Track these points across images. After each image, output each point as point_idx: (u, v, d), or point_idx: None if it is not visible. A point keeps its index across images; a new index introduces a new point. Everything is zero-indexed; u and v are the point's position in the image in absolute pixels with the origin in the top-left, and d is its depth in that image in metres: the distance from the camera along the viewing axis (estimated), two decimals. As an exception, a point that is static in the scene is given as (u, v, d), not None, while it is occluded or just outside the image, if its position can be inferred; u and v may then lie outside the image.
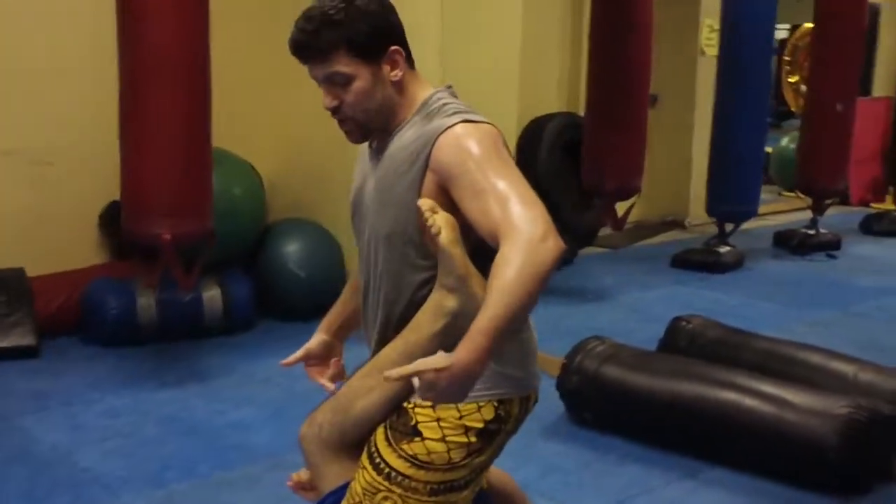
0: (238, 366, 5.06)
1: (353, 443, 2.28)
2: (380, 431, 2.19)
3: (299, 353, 2.57)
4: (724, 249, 7.42)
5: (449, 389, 1.86)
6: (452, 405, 2.10)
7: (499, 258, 1.89)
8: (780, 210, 9.60)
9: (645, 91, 6.64)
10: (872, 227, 9.03)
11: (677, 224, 9.03)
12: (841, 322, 6.03)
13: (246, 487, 3.69)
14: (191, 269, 4.84)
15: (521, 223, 1.90)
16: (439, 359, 1.87)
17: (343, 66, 2.10)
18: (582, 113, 7.19)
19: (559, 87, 8.38)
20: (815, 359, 4.34)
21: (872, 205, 9.95)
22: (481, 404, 2.12)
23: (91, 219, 5.83)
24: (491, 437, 2.15)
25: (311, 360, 2.56)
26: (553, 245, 1.88)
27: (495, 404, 2.12)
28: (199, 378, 4.86)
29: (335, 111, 2.15)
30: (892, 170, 9.56)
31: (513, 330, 1.92)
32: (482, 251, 2.02)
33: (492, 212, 1.95)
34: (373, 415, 2.21)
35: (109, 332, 5.24)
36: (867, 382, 4.07)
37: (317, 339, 2.57)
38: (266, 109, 6.18)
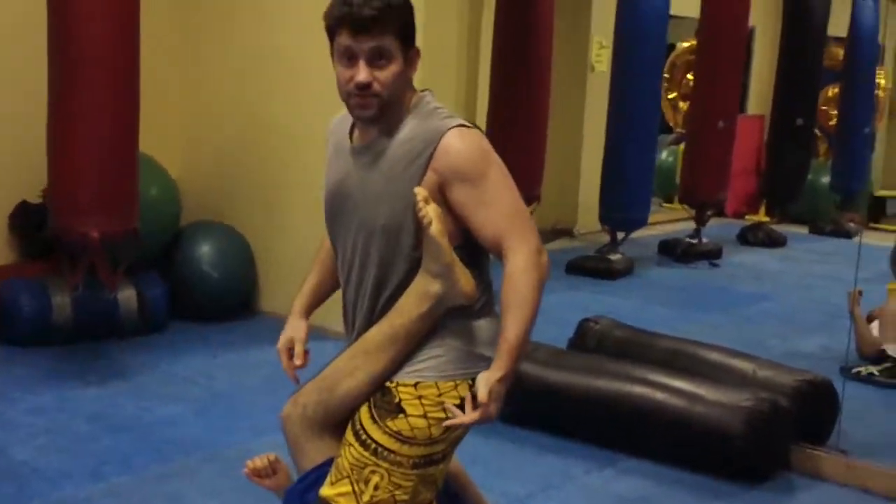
0: (158, 364, 5.13)
1: (337, 421, 2.45)
2: (364, 410, 2.36)
3: (283, 339, 2.67)
4: (615, 257, 7.74)
5: (502, 394, 2.24)
6: (432, 383, 2.30)
7: (511, 272, 2.24)
8: (662, 220, 10.02)
9: (545, 101, 6.92)
10: (749, 237, 9.55)
11: (566, 232, 9.35)
12: (728, 324, 6.40)
13: (186, 479, 3.79)
14: (115, 269, 4.89)
15: (523, 239, 2.25)
16: (489, 375, 2.23)
17: (391, 46, 2.26)
18: (478, 122, 7.45)
19: (457, 98, 8.60)
20: (716, 356, 4.65)
21: (747, 216, 10.45)
22: (458, 382, 2.32)
23: (0, 219, 5.81)
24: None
25: (296, 344, 2.67)
26: (546, 258, 2.27)
27: (470, 382, 2.31)
28: (121, 377, 4.92)
29: (366, 87, 2.27)
30: (766, 184, 10.07)
31: (530, 334, 2.27)
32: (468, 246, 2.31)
33: (496, 222, 2.27)
34: (357, 394, 2.39)
35: (24, 332, 5.24)
36: (765, 378, 4.38)
37: (296, 323, 2.69)
38: (174, 112, 6.24)
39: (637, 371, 4.33)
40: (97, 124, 4.60)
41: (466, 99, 8.59)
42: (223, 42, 6.17)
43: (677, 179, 10.09)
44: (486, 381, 2.22)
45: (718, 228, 9.58)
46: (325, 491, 2.36)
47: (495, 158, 2.31)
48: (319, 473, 2.45)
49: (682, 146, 10.30)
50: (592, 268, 7.62)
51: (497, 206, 2.26)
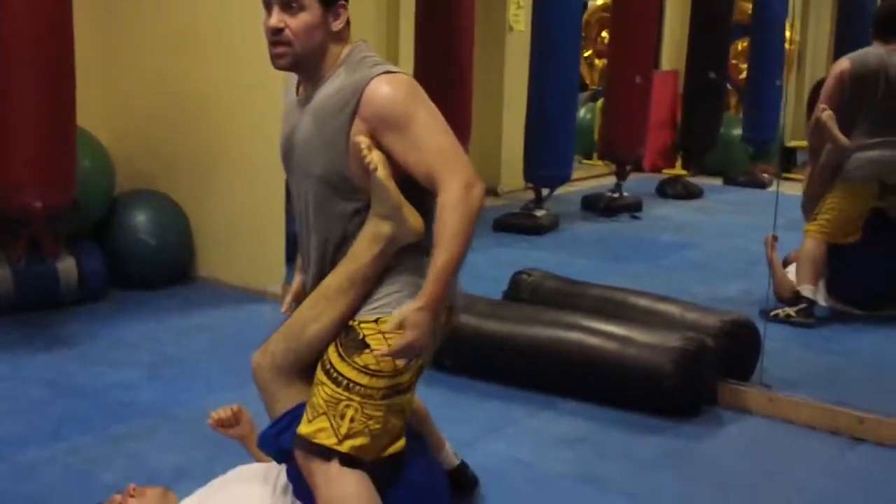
0: (101, 332, 5.21)
1: (306, 366, 2.62)
2: (331, 350, 2.54)
3: (289, 297, 2.86)
4: (540, 213, 7.96)
5: (427, 321, 2.36)
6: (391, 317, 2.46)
7: (441, 206, 2.36)
8: (582, 177, 10.27)
9: (469, 61, 7.07)
10: (667, 190, 9.86)
11: (490, 191, 9.54)
12: (652, 273, 6.66)
13: (145, 438, 3.90)
14: (56, 239, 4.96)
15: (453, 174, 2.37)
16: (412, 305, 2.38)
17: None
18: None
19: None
20: (644, 302, 4.88)
21: (664, 170, 10.76)
22: None
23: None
24: None
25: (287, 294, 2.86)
26: (478, 190, 2.39)
27: None
28: (67, 344, 4.99)
29: (277, 32, 2.47)
30: (682, 137, 10.37)
31: (461, 265, 2.38)
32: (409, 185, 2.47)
33: (427, 162, 2.40)
34: (323, 336, 2.57)
35: (-35, 305, 5.28)
36: (692, 320, 4.62)
37: (299, 279, 2.86)
38: (106, 81, 6.26)
39: (571, 318, 4.54)
40: (35, 97, 4.64)
41: (387, 56, 8.74)
42: (156, 9, 6.18)
43: (595, 136, 10.41)
44: (399, 312, 2.39)
45: (637, 183, 9.84)
46: (304, 429, 2.52)
47: (422, 99, 2.46)
48: (292, 417, 2.62)
49: (599, 103, 10.56)
50: (519, 224, 7.82)
51: (426, 147, 2.41)
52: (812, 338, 5.45)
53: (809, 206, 5.90)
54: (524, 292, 5.13)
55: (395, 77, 2.46)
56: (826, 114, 5.53)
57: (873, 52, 5.57)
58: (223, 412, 3.03)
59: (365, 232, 2.50)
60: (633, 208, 8.82)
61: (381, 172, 2.42)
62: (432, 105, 2.48)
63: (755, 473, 3.88)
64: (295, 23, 2.45)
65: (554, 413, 4.29)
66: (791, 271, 5.92)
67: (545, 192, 8.09)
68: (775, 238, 6.03)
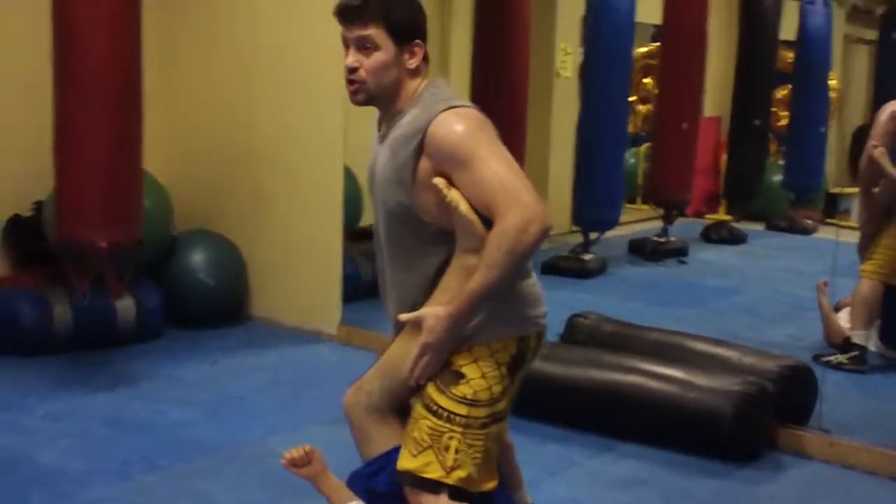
0: (160, 371, 5.27)
1: (401, 403, 2.66)
2: (429, 385, 2.58)
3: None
4: (588, 256, 7.98)
5: (445, 331, 2.46)
6: (484, 345, 2.53)
7: (492, 237, 2.42)
8: (627, 221, 10.27)
9: (524, 106, 7.14)
10: (712, 235, 9.85)
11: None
12: (701, 317, 6.66)
13: (211, 477, 3.94)
14: (120, 278, 5.05)
15: (509, 209, 2.40)
16: (438, 308, 2.47)
17: (375, 35, 2.53)
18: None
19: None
20: (701, 346, 4.90)
21: (707, 216, 10.77)
22: (506, 342, 2.56)
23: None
24: (517, 367, 2.60)
25: None
26: (535, 230, 2.40)
27: (517, 341, 2.57)
28: (127, 383, 5.04)
29: (353, 71, 2.57)
30: (728, 184, 10.39)
31: (494, 294, 2.46)
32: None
33: (487, 196, 2.43)
34: None
35: (26, 342, 5.34)
36: (750, 365, 4.63)
37: None
38: (165, 121, 6.37)
39: (631, 362, 4.56)
40: (105, 134, 4.74)
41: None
42: (206, 46, 6.29)
43: (638, 180, 10.46)
44: (427, 309, 2.49)
45: (681, 227, 9.84)
46: (410, 464, 2.56)
47: (485, 133, 2.49)
48: (386, 460, 2.65)
49: (642, 147, 10.61)
50: (567, 267, 7.84)
51: (486, 182, 2.43)
52: (865, 383, 5.44)
53: (864, 245, 5.87)
54: (580, 334, 5.16)
55: (458, 112, 2.51)
56: (878, 150, 5.56)
57: None
58: (296, 451, 3.06)
59: (454, 265, 2.55)
60: (680, 253, 8.83)
61: (463, 207, 2.47)
62: (496, 140, 2.51)
63: (817, 518, 3.89)
64: (369, 62, 2.54)
65: (613, 455, 4.30)
66: (843, 316, 5.91)
67: (593, 235, 8.11)
68: (826, 283, 6.04)
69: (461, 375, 2.54)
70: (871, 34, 13.28)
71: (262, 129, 6.13)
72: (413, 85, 2.60)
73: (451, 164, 2.48)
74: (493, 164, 2.45)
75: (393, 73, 2.56)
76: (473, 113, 2.53)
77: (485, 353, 2.54)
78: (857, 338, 5.67)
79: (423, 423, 2.56)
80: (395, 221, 2.61)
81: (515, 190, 2.41)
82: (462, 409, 2.53)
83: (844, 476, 4.23)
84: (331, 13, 2.60)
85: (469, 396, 2.53)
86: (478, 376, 2.53)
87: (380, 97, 2.60)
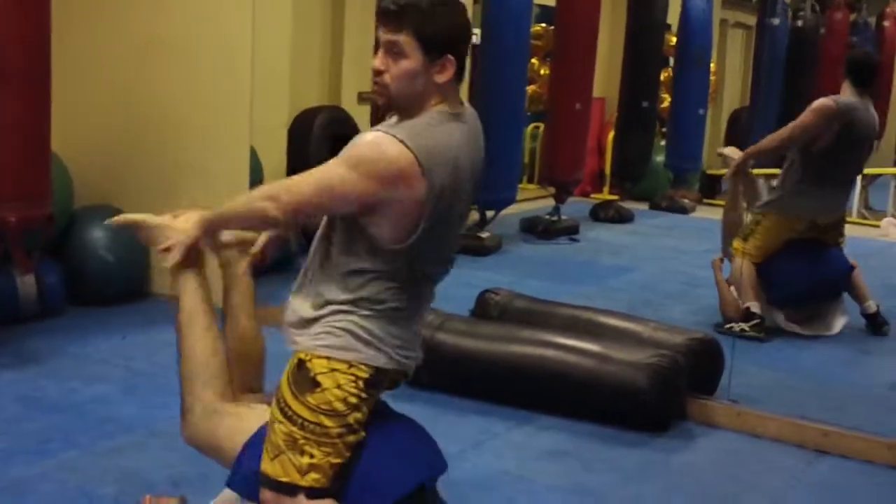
0: (66, 348, 5.14)
1: (213, 380, 2.90)
2: (284, 386, 2.60)
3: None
4: (485, 234, 8.08)
5: (194, 228, 2.86)
6: (343, 360, 2.55)
7: (262, 187, 2.67)
8: (517, 200, 10.41)
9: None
10: (600, 214, 10.09)
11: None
12: (602, 294, 6.80)
13: (137, 453, 3.90)
14: (29, 254, 4.91)
15: (282, 188, 2.58)
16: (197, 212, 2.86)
17: (405, 43, 2.46)
18: (343, 105, 7.94)
19: (321, 81, 8.76)
20: (614, 321, 5.03)
21: (592, 195, 11.00)
22: (368, 366, 2.58)
23: None
24: (375, 386, 2.61)
25: None
26: (268, 206, 2.54)
27: (375, 369, 2.59)
28: (35, 360, 4.91)
29: (378, 73, 2.51)
30: (617, 165, 10.62)
31: (230, 222, 2.86)
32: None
33: None
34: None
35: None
36: (661, 339, 4.78)
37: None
38: (64, 95, 6.18)
39: (548, 336, 4.65)
40: (12, 109, 4.61)
41: (330, 88, 8.80)
42: (118, 20, 6.14)
43: (526, 159, 10.61)
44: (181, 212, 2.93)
45: (569, 207, 10.03)
46: (267, 468, 2.59)
47: (360, 159, 2.45)
48: (251, 453, 2.70)
49: (529, 128, 10.77)
50: (465, 245, 7.87)
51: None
52: (770, 356, 5.67)
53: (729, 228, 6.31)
54: (493, 310, 5.23)
55: (380, 137, 2.46)
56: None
57: (855, 100, 5.84)
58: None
59: None
60: (571, 231, 9.02)
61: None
62: (358, 167, 2.44)
63: (730, 484, 4.06)
64: (395, 68, 2.48)
65: (534, 427, 4.39)
66: (734, 291, 6.14)
67: (490, 213, 8.21)
68: (722, 260, 6.28)
69: (317, 384, 2.55)
70: (747, 18, 13.74)
71: (165, 103, 6.02)
72: (433, 101, 2.51)
73: None
74: (324, 166, 2.50)
75: (418, 84, 2.48)
76: (387, 147, 2.43)
77: (343, 366, 2.55)
78: (754, 307, 5.90)
79: (278, 427, 2.58)
80: None
81: (301, 182, 2.54)
82: (317, 418, 2.53)
83: (753, 444, 4.40)
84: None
85: (323, 406, 2.53)
86: (333, 386, 2.54)
87: (399, 105, 2.53)
